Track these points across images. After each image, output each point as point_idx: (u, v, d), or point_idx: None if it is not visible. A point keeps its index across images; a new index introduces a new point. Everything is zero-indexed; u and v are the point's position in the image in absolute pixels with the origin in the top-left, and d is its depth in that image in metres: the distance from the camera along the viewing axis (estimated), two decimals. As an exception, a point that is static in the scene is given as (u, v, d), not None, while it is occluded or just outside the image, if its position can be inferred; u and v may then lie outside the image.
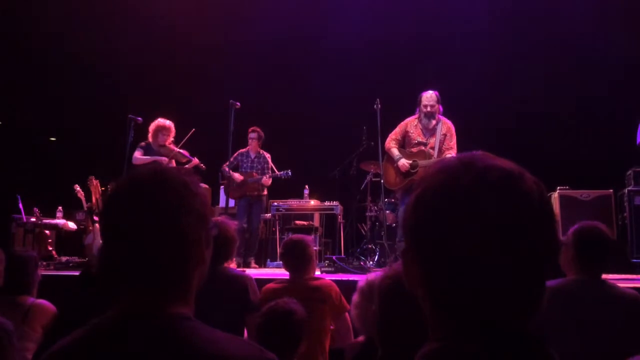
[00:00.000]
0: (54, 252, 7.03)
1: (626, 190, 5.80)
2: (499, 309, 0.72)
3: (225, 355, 0.95)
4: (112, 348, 0.94)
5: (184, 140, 6.27)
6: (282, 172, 6.65)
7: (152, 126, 6.22)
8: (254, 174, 6.73)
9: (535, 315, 0.74)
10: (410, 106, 5.94)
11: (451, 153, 5.43)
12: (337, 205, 7.08)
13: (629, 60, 7.29)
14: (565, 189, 6.08)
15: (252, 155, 6.84)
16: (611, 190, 5.97)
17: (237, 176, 6.67)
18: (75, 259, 6.22)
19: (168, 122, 6.25)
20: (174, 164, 6.27)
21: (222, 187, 7.44)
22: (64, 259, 6.45)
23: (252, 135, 6.80)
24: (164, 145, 6.21)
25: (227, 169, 6.67)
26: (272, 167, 6.82)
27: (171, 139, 6.28)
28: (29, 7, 8.43)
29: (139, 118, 6.09)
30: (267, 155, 6.89)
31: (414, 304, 1.50)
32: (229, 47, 8.65)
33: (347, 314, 3.10)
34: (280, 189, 7.21)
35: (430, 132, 5.66)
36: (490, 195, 0.71)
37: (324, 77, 8.16)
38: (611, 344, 2.32)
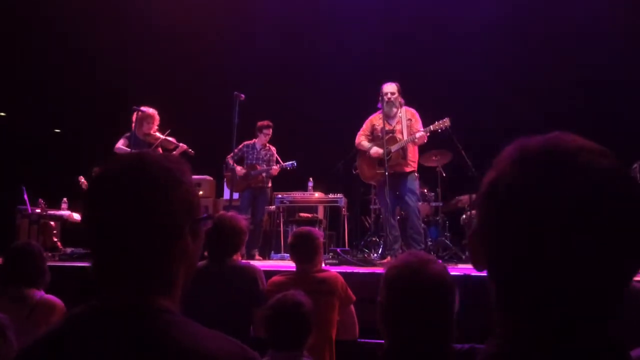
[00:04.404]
0: (59, 244, 7.05)
1: (631, 184, 5.78)
2: (580, 310, 0.66)
3: (205, 351, 0.89)
4: (85, 341, 0.90)
5: (160, 140, 6.07)
6: (287, 163, 6.65)
7: (135, 115, 6.09)
8: (257, 166, 6.71)
9: (615, 317, 0.68)
10: (413, 100, 5.92)
11: (420, 132, 5.45)
12: (342, 198, 7.07)
13: (636, 51, 7.25)
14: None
15: (258, 147, 6.82)
16: (616, 184, 5.94)
17: (239, 169, 6.66)
18: (80, 250, 6.22)
19: (151, 110, 6.12)
20: (160, 151, 6.21)
21: (225, 179, 7.44)
22: (68, 250, 6.46)
23: (266, 131, 6.74)
24: (149, 134, 6.08)
25: (231, 161, 6.64)
26: (277, 158, 6.82)
27: (155, 126, 6.14)
28: (29, 4, 8.42)
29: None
30: (273, 149, 6.89)
31: (420, 295, 1.50)
32: (233, 38, 8.63)
33: (352, 305, 3.12)
34: (285, 181, 7.21)
35: (393, 119, 5.66)
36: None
37: (328, 70, 8.14)
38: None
